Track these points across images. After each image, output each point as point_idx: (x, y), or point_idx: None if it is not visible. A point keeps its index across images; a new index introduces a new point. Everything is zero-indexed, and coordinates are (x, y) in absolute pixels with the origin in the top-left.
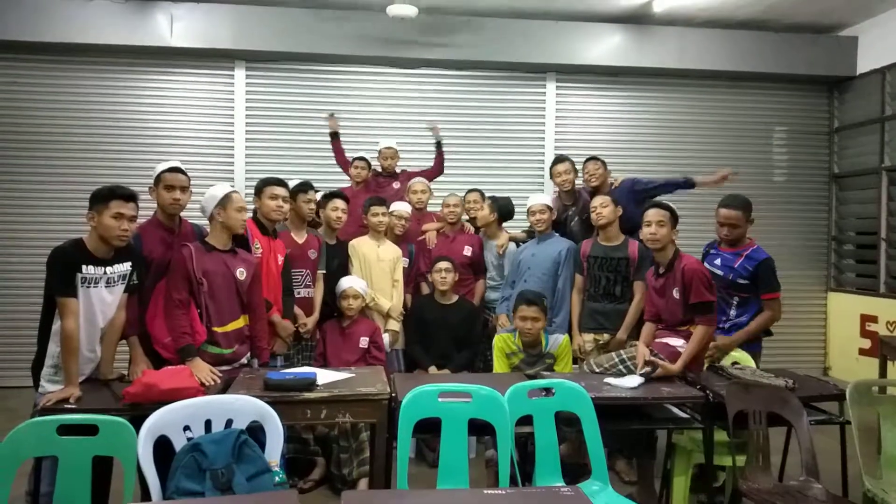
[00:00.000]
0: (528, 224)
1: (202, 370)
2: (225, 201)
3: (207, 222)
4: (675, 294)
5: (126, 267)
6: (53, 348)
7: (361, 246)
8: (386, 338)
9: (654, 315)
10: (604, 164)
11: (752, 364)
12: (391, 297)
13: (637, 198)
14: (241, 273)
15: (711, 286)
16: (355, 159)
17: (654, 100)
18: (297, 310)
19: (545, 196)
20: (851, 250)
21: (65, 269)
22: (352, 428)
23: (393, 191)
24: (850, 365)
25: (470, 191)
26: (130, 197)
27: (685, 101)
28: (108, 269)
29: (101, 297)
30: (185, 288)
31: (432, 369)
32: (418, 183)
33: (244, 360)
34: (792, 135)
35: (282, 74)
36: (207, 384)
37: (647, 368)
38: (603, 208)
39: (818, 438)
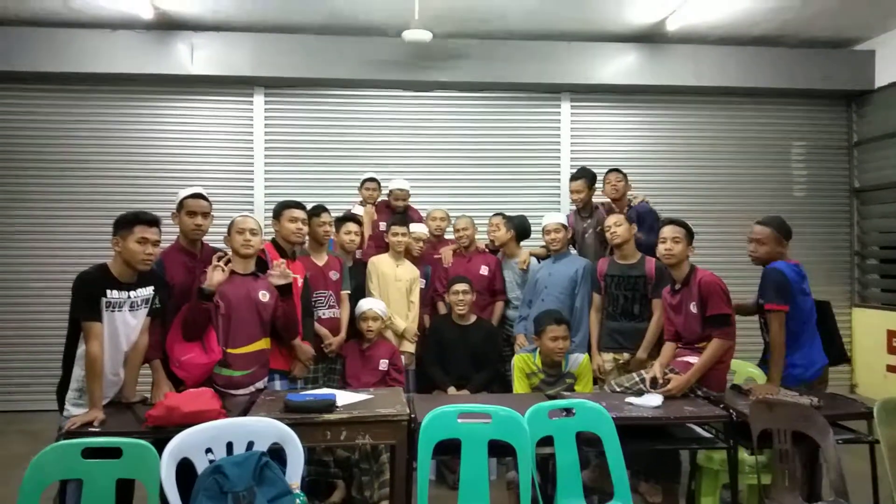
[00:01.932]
0: (544, 243)
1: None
2: (229, 228)
3: (228, 247)
4: (693, 308)
5: (149, 291)
6: (78, 372)
7: (381, 264)
8: (402, 359)
9: (673, 334)
10: (625, 176)
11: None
12: (406, 318)
13: (645, 223)
14: (263, 295)
15: (728, 299)
16: (366, 180)
17: (669, 118)
18: (322, 330)
19: (560, 215)
20: (875, 265)
21: (90, 294)
22: (372, 450)
23: None
24: (878, 382)
25: (494, 214)
26: (154, 222)
27: (701, 118)
28: (132, 293)
29: (126, 321)
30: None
31: (451, 390)
32: (438, 210)
33: (261, 385)
34: (811, 150)
35: (299, 100)
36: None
37: (659, 380)
38: (617, 227)
39: (848, 458)
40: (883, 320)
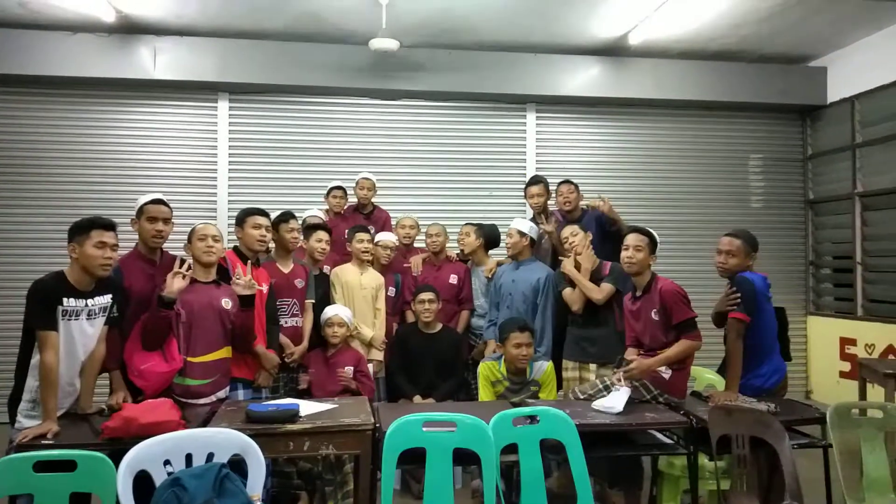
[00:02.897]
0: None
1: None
2: (190, 235)
3: (188, 255)
4: (654, 315)
5: (107, 299)
6: (32, 382)
7: (345, 273)
8: (370, 367)
9: (634, 340)
10: (577, 187)
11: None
12: (373, 326)
13: (602, 228)
14: (225, 303)
15: (688, 303)
16: (332, 188)
17: (631, 129)
18: (284, 339)
19: (524, 222)
20: (829, 274)
21: (45, 302)
22: (335, 460)
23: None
24: (832, 388)
25: (465, 224)
26: (110, 226)
27: (662, 130)
28: (90, 301)
29: (83, 330)
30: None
31: (417, 398)
32: (407, 219)
33: (222, 394)
34: (767, 162)
35: (264, 106)
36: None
37: (620, 375)
38: (574, 237)
39: (803, 462)
40: (836, 328)
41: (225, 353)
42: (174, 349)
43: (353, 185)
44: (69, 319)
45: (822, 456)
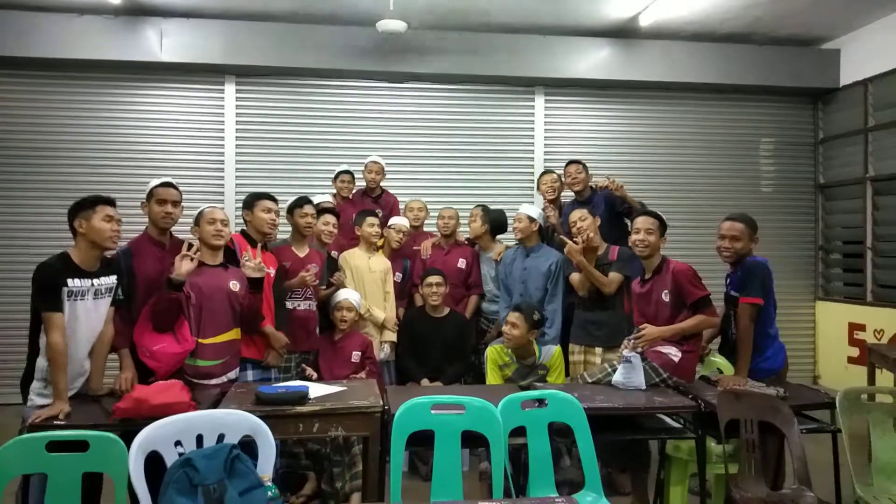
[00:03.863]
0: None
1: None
2: (197, 218)
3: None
4: (665, 297)
5: (112, 280)
6: (42, 363)
7: (353, 258)
8: (385, 348)
9: (642, 323)
10: (585, 167)
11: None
12: (384, 309)
13: (612, 208)
14: (234, 285)
15: (700, 281)
16: (340, 173)
17: (641, 112)
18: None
19: (532, 207)
20: (838, 259)
21: (50, 284)
22: (344, 442)
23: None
24: (840, 373)
25: (476, 206)
26: (113, 202)
27: (672, 113)
28: (96, 281)
29: (88, 310)
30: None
31: (424, 381)
32: (415, 201)
33: (233, 375)
34: (778, 146)
35: (271, 88)
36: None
37: (629, 346)
38: (582, 221)
39: (812, 447)
40: (844, 313)
41: (234, 334)
42: (186, 331)
43: (362, 168)
44: (75, 300)
45: (831, 441)
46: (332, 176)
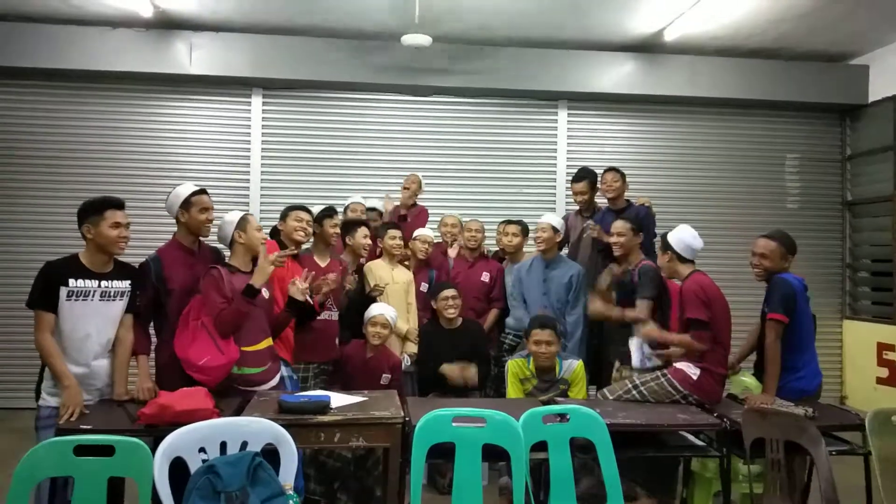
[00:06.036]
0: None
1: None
2: (243, 223)
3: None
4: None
5: (125, 285)
6: None
7: (378, 269)
8: (407, 359)
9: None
10: (623, 176)
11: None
12: (407, 321)
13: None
14: (265, 292)
15: (705, 305)
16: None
17: (665, 127)
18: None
19: (555, 217)
20: (866, 278)
21: (46, 283)
22: (358, 461)
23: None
24: (868, 394)
25: (506, 222)
26: (122, 204)
27: (697, 128)
28: (104, 282)
29: (96, 311)
30: (221, 304)
31: (446, 366)
32: (451, 217)
33: (276, 381)
34: (804, 162)
35: (297, 102)
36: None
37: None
38: (620, 237)
39: (844, 470)
40: (873, 333)
41: (269, 341)
42: (231, 342)
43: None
44: (76, 300)
45: (864, 463)
46: (350, 198)
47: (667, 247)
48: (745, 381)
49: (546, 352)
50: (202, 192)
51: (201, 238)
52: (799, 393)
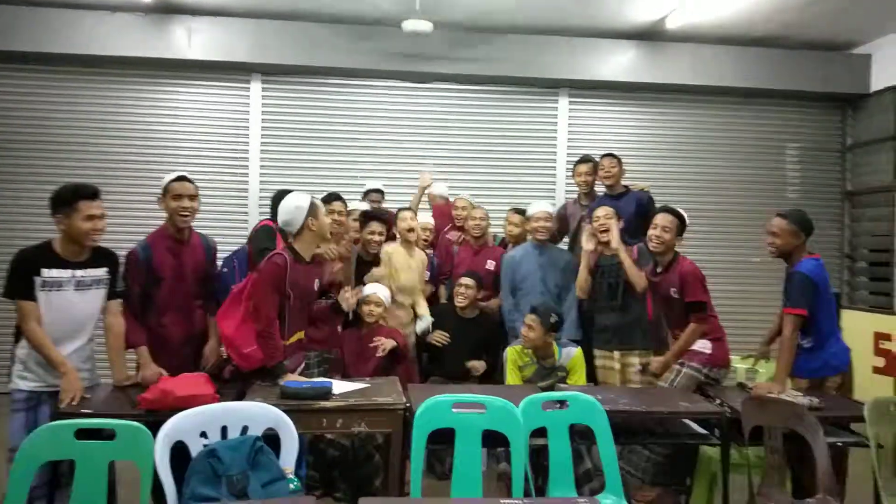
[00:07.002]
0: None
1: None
2: (314, 210)
3: (282, 233)
4: (674, 293)
5: (101, 272)
6: (19, 351)
7: (396, 254)
8: (420, 324)
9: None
10: (620, 162)
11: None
12: (419, 304)
13: (639, 210)
14: (315, 284)
15: (704, 287)
16: (370, 191)
17: (666, 116)
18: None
19: (547, 204)
20: (864, 268)
21: (21, 272)
22: (355, 452)
23: None
24: (865, 384)
25: (516, 211)
26: (96, 194)
27: (698, 117)
28: (79, 272)
29: (71, 301)
30: (277, 304)
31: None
32: (479, 210)
33: (298, 371)
34: (805, 152)
35: (297, 88)
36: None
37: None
38: (607, 220)
39: (852, 459)
40: (870, 322)
41: (302, 332)
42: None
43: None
44: (49, 290)
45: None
46: (363, 192)
47: (683, 230)
48: (741, 367)
49: (526, 335)
50: (181, 178)
51: (180, 226)
52: (835, 370)
